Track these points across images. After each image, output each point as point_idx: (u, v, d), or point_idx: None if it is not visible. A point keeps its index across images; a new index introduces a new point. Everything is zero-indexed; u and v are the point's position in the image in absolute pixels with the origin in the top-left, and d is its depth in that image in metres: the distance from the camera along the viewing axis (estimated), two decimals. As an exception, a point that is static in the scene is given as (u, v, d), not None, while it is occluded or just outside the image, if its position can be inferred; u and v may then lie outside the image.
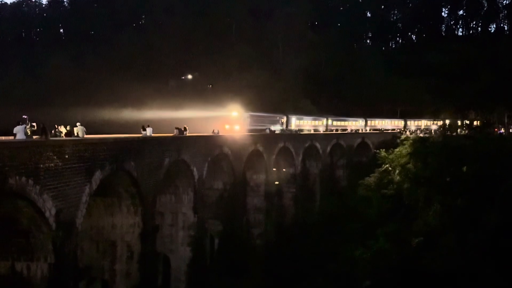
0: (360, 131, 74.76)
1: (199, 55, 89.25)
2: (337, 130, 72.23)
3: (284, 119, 60.93)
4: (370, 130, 77.53)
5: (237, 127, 49.05)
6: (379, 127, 79.95)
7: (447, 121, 69.77)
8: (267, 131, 55.49)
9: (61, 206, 20.11)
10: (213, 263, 43.20)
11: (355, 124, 76.95)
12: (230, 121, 49.88)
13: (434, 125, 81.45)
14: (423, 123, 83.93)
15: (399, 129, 79.41)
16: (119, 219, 28.35)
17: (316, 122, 69.26)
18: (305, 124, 66.65)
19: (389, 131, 77.90)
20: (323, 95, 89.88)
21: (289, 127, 61.21)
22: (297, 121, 64.24)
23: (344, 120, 75.32)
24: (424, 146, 48.41)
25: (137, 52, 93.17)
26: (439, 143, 49.03)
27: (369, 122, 78.56)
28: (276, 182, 55.51)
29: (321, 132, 67.95)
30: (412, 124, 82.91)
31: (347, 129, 74.77)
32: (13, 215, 19.22)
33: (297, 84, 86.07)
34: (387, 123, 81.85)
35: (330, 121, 71.63)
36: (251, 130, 50.66)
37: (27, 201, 18.36)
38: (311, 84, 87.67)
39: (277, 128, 58.67)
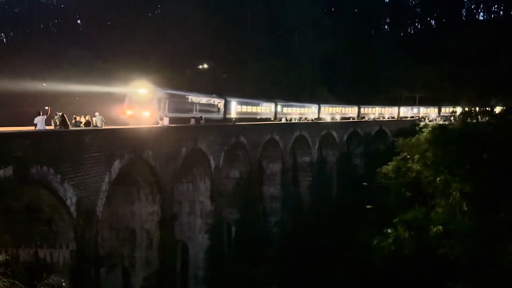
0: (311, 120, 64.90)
1: (215, 45, 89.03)
2: (291, 119, 61.44)
3: (221, 103, 45.84)
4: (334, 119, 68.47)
5: (146, 114, 31.91)
6: (337, 115, 71.81)
7: (458, 108, 67.47)
8: (193, 121, 37.47)
9: (82, 195, 20.49)
10: (230, 250, 43.68)
11: (308, 112, 66.44)
12: (134, 103, 31.62)
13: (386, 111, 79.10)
14: (377, 110, 79.57)
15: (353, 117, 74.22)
16: (138, 207, 28.80)
17: (263, 109, 55.71)
18: (250, 111, 52.56)
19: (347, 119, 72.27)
20: (339, 83, 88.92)
21: (227, 115, 46.93)
22: (239, 107, 49.73)
23: (292, 106, 62.98)
24: (443, 133, 47.64)
25: (153, 41, 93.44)
26: (459, 130, 48.16)
27: (323, 109, 68.97)
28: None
29: (272, 121, 56.76)
30: (370, 112, 78.68)
31: (302, 117, 64.49)
32: (35, 203, 19.66)
33: (314, 72, 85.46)
34: (346, 110, 74.15)
35: (279, 108, 59.19)
36: (171, 119, 33.21)
37: (48, 190, 18.73)
38: (328, 72, 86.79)
39: (212, 116, 43.62)
